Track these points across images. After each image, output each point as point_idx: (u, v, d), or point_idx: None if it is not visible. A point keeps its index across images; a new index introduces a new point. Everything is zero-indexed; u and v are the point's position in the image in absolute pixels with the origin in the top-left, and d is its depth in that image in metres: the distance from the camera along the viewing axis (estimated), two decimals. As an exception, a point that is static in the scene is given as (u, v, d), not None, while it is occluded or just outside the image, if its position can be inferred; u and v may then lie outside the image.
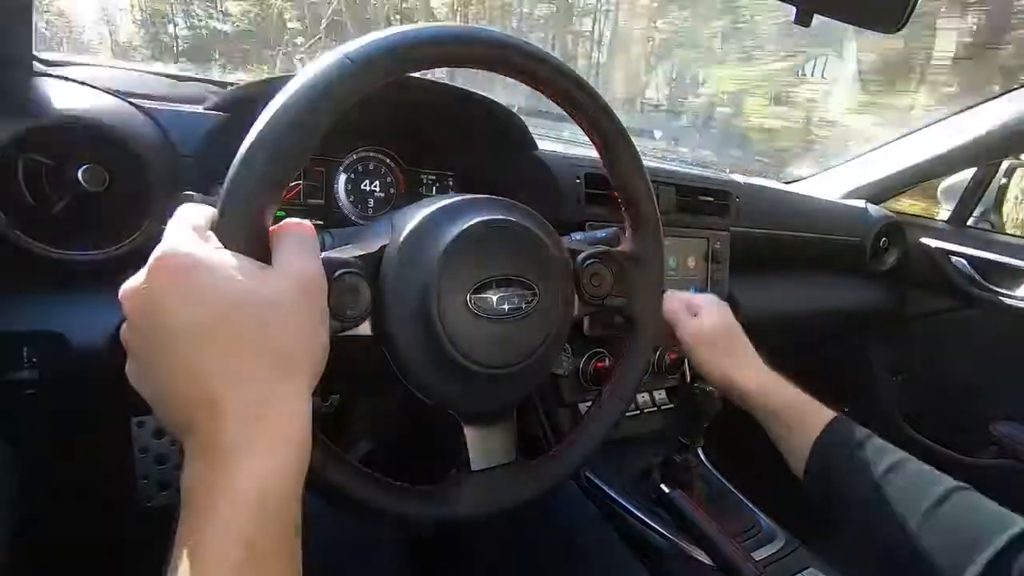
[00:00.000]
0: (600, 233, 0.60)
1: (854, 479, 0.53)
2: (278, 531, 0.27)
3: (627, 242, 0.51)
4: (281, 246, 0.32)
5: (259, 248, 0.32)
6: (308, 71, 0.34)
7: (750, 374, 0.63)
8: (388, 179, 0.75)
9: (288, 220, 0.33)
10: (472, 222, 0.40)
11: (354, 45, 0.35)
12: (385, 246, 0.40)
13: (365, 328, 0.39)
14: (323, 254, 0.35)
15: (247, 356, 0.28)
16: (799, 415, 0.59)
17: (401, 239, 0.40)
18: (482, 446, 0.44)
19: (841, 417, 0.58)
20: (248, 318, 0.29)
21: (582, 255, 0.48)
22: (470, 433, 0.44)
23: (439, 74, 0.68)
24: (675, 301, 0.67)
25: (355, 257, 0.39)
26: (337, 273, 0.37)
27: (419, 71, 0.39)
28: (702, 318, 0.66)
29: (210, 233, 0.31)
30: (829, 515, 0.56)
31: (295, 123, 0.33)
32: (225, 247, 0.31)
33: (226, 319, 0.28)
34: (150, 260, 0.29)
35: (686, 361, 0.94)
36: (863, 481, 0.52)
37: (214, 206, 0.33)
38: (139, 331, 0.29)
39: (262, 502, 0.27)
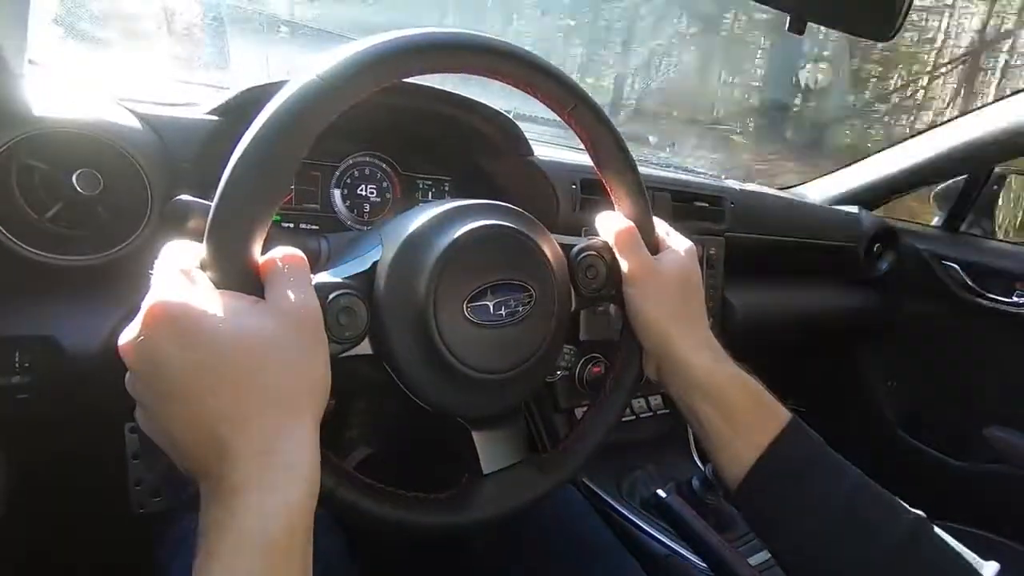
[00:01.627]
0: (596, 239, 0.60)
1: (811, 496, 0.43)
2: (286, 568, 0.27)
3: None
4: (272, 280, 0.32)
5: (250, 283, 0.32)
6: (280, 97, 0.33)
7: (698, 344, 0.48)
8: (384, 184, 0.75)
9: (276, 252, 0.33)
10: (460, 232, 0.40)
11: (326, 64, 0.34)
12: (376, 263, 0.40)
13: (365, 347, 0.39)
14: (315, 279, 0.35)
15: (248, 397, 0.29)
16: (756, 412, 0.46)
17: (392, 255, 0.40)
18: (492, 448, 0.44)
19: (796, 420, 0.46)
20: (245, 359, 0.29)
21: (575, 248, 0.48)
22: (479, 437, 0.44)
23: (435, 79, 0.68)
24: (630, 228, 0.48)
25: (347, 278, 0.38)
26: (332, 296, 0.36)
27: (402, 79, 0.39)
28: (663, 258, 0.49)
29: (198, 272, 0.31)
30: (766, 528, 0.46)
31: (268, 158, 0.32)
32: (216, 286, 0.31)
33: (223, 363, 0.28)
34: (142, 310, 0.29)
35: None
36: (823, 500, 0.43)
37: (207, 209, 0.32)
38: (142, 381, 0.30)
39: (268, 540, 0.27)
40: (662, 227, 0.52)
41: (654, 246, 0.50)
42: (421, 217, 0.42)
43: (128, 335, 0.29)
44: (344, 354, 0.38)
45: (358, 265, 0.40)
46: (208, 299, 0.29)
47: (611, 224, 0.49)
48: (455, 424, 0.44)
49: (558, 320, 0.45)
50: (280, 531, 0.27)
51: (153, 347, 0.28)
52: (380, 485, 0.39)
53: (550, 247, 0.45)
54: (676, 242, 0.51)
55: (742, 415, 0.46)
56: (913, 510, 0.42)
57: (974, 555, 0.40)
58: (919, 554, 0.40)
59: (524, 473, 0.45)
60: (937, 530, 0.42)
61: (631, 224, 0.48)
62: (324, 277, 0.38)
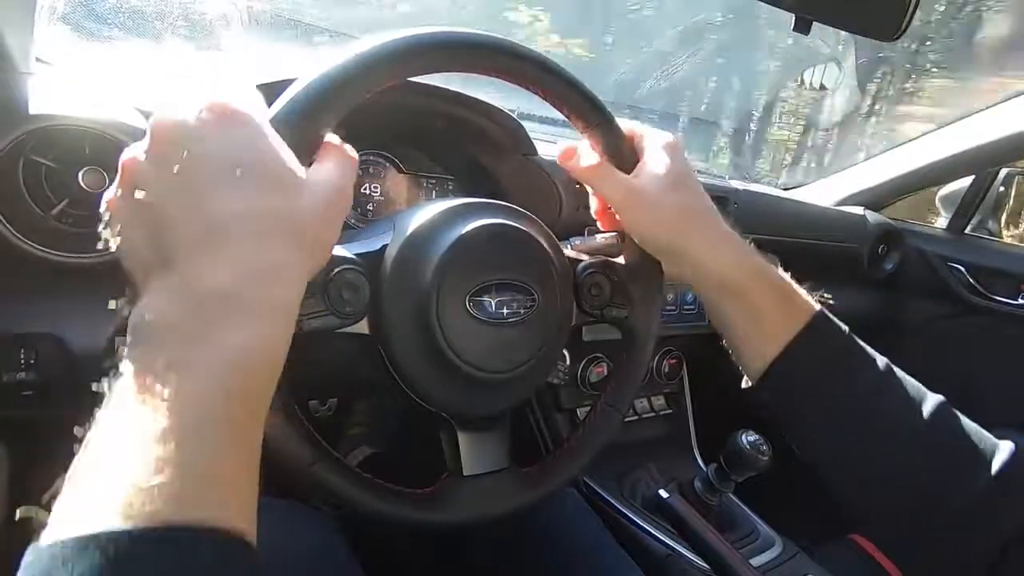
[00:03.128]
0: (599, 237, 0.60)
1: (836, 389, 0.43)
2: (258, 392, 0.26)
3: (627, 253, 0.51)
4: (325, 156, 0.33)
5: (305, 149, 0.32)
6: (363, 46, 0.36)
7: (716, 240, 0.46)
8: (388, 183, 0.75)
9: (335, 140, 0.34)
10: (474, 225, 0.41)
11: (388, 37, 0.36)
12: (386, 246, 0.40)
13: (363, 326, 0.39)
14: None
15: (269, 216, 0.28)
16: (781, 306, 0.45)
17: (402, 240, 0.40)
18: (475, 451, 0.44)
19: (823, 314, 0.46)
20: (278, 183, 0.28)
21: (582, 264, 0.48)
22: (463, 438, 0.44)
23: (438, 79, 0.68)
24: (598, 163, 0.45)
25: (356, 255, 0.39)
26: (337, 269, 0.37)
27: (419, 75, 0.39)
28: (643, 171, 0.45)
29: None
30: (791, 422, 0.46)
31: (359, 67, 0.35)
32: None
33: (261, 175, 0.28)
34: (198, 103, 0.28)
35: (684, 366, 0.93)
36: (849, 392, 0.43)
37: None
38: (162, 158, 0.27)
39: (249, 360, 0.25)
40: (634, 132, 0.48)
41: (632, 162, 0.46)
42: (436, 208, 0.42)
43: (171, 115, 0.28)
44: (341, 329, 0.38)
45: (368, 245, 0.40)
46: (267, 125, 0.29)
47: (576, 165, 0.46)
48: (443, 421, 0.44)
49: (557, 329, 0.45)
50: (259, 355, 0.26)
51: (199, 130, 0.27)
52: (358, 471, 0.39)
53: (559, 258, 0.46)
54: (653, 144, 0.47)
55: (766, 310, 0.45)
56: (935, 395, 0.43)
57: (991, 437, 0.42)
58: (938, 439, 0.42)
59: (504, 482, 0.45)
60: (957, 413, 0.43)
61: (596, 158, 0.45)
62: (334, 250, 0.38)
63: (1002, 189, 1.27)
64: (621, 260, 0.51)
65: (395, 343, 0.40)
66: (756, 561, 0.70)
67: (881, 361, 0.45)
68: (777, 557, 0.72)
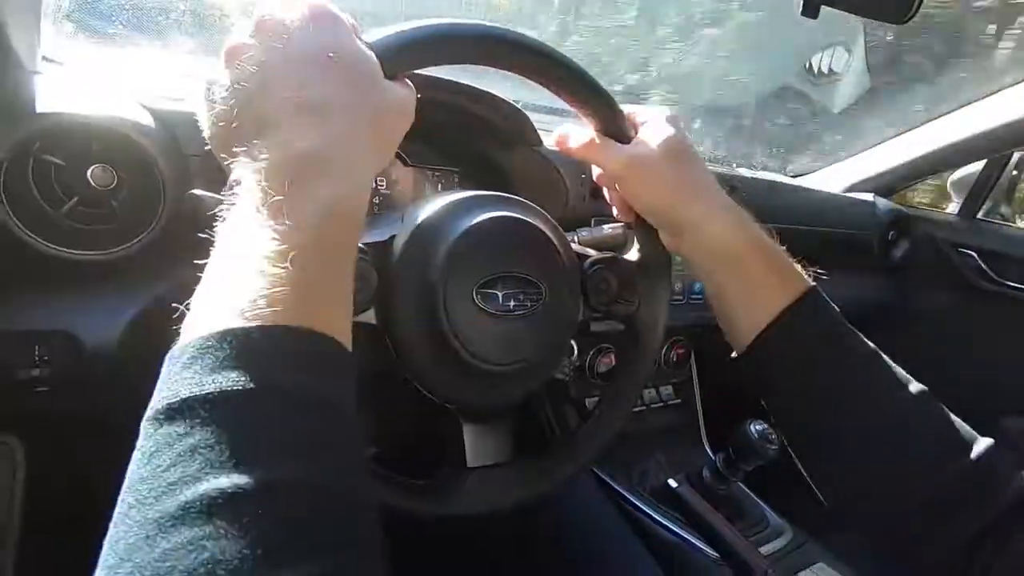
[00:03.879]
0: (606, 228, 0.60)
1: (820, 366, 0.43)
2: (345, 238, 0.29)
3: (634, 249, 0.51)
4: (399, 80, 0.36)
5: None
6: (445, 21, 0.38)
7: (713, 209, 0.46)
8: (393, 176, 0.75)
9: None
10: (483, 218, 0.41)
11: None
12: (395, 236, 0.40)
13: (370, 316, 0.39)
14: None
15: (352, 98, 0.31)
16: (773, 279, 0.45)
17: (411, 230, 0.40)
18: (479, 443, 0.45)
19: (815, 291, 0.45)
20: (363, 77, 0.32)
21: (589, 260, 0.48)
22: (468, 430, 0.44)
23: (441, 70, 0.67)
24: (591, 140, 0.46)
25: (364, 244, 0.39)
26: None
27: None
28: (640, 142, 0.46)
29: None
30: (770, 394, 0.46)
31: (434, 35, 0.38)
32: None
33: (350, 65, 0.32)
34: (300, 2, 0.32)
35: (692, 356, 0.93)
36: (832, 370, 0.43)
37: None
38: (265, 39, 0.31)
39: (337, 209, 0.28)
40: (633, 110, 0.49)
41: (630, 137, 0.47)
42: (444, 200, 0.42)
43: (280, 6, 0.31)
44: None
45: (376, 235, 0.40)
46: (355, 34, 0.33)
47: (572, 143, 0.48)
48: (448, 415, 0.44)
49: (564, 323, 0.45)
50: (338, 205, 0.28)
51: (302, 16, 0.31)
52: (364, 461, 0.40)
53: (566, 251, 0.46)
54: (651, 119, 0.48)
55: (759, 280, 0.45)
56: (919, 384, 0.43)
57: (972, 431, 0.41)
58: (916, 425, 0.41)
59: (506, 475, 0.45)
60: (940, 404, 0.42)
61: (590, 134, 0.46)
62: None
63: (1015, 173, 1.25)
64: (628, 256, 0.51)
65: (402, 332, 0.40)
66: (766, 549, 0.70)
67: (868, 345, 0.44)
68: (787, 545, 0.72)
